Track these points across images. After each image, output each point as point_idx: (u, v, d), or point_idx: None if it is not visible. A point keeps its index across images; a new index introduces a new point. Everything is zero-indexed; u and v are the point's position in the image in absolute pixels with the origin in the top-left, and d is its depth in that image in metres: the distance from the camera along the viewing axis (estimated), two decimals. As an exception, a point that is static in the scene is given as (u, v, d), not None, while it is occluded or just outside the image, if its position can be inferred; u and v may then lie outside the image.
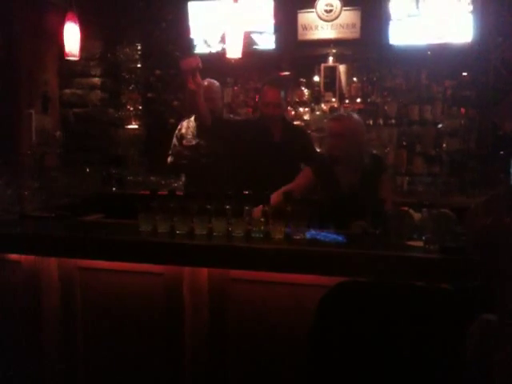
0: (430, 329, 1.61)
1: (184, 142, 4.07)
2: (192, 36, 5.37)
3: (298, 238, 2.53)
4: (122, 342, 2.68)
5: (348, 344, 1.68)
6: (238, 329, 2.51)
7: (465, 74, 4.85)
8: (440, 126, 4.96)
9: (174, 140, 4.15)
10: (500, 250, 1.51)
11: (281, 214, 2.57)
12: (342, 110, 3.72)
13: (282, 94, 3.79)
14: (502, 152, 4.24)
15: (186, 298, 2.57)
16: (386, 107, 5.12)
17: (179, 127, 4.19)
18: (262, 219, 2.60)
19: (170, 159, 4.13)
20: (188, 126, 4.14)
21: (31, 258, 2.81)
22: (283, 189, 3.07)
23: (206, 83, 3.98)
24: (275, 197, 2.89)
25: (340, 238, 2.54)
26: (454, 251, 2.22)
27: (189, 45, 5.37)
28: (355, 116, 3.40)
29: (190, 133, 4.10)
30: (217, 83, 4.15)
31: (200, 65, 3.59)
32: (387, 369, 1.65)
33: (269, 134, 3.80)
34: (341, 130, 3.19)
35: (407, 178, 4.94)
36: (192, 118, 4.13)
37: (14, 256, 2.86)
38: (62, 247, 2.71)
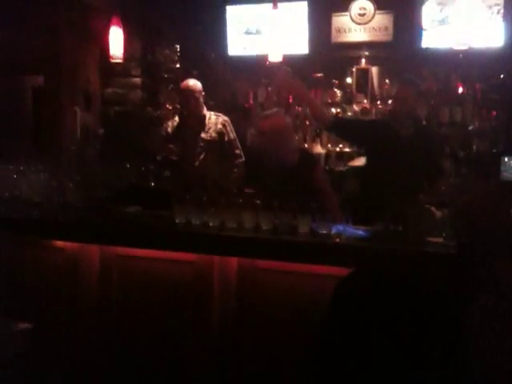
0: (437, 315, 1.73)
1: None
2: (229, 37, 5.56)
3: (323, 232, 2.67)
4: (153, 324, 2.85)
5: (360, 328, 1.81)
6: (262, 316, 2.66)
7: (495, 77, 4.90)
8: (470, 127, 5.01)
9: (161, 139, 4.50)
10: (492, 235, 1.66)
11: None
12: (272, 109, 3.86)
13: (414, 90, 3.72)
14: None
15: (215, 286, 2.74)
16: (416, 109, 5.18)
17: (165, 127, 4.56)
18: None
19: (159, 156, 4.44)
20: (173, 125, 4.55)
21: (74, 244, 3.03)
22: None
23: (191, 83, 4.35)
24: None
25: (362, 233, 2.68)
26: (470, 247, 2.33)
27: (225, 46, 5.57)
28: (283, 115, 3.61)
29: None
30: (198, 82, 4.42)
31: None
32: (397, 354, 1.77)
33: (395, 133, 3.65)
34: (269, 128, 3.36)
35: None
36: (176, 118, 4.48)
37: (58, 243, 3.08)
38: (102, 235, 2.91)
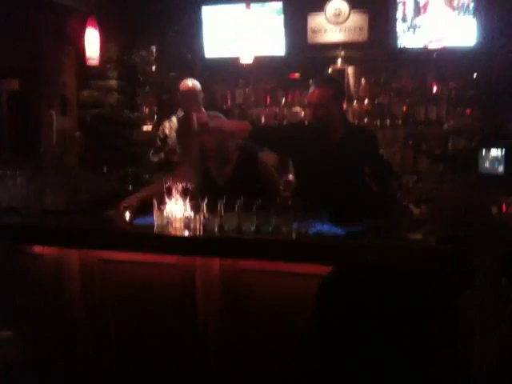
0: (425, 306, 1.76)
1: (170, 141, 4.36)
2: (205, 39, 5.56)
3: (303, 231, 2.69)
4: (137, 329, 2.85)
5: (345, 324, 1.83)
6: (247, 316, 2.67)
7: (469, 75, 4.98)
8: (445, 125, 5.09)
9: (158, 140, 4.40)
10: (474, 225, 1.71)
11: None
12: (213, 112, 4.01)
13: (329, 93, 3.33)
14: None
15: (199, 288, 2.74)
16: (392, 108, 5.25)
17: (161, 128, 4.47)
18: None
19: (156, 158, 4.36)
20: (170, 126, 4.45)
21: (54, 250, 3.00)
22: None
23: (190, 84, 4.24)
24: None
25: (342, 232, 2.70)
26: (448, 241, 2.37)
27: (202, 48, 5.57)
28: (221, 116, 3.76)
29: (174, 133, 4.39)
30: (197, 82, 4.32)
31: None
32: (385, 348, 1.79)
33: (324, 136, 3.42)
34: (210, 129, 3.46)
35: (414, 177, 5.07)
36: (173, 119, 4.38)
37: (37, 248, 3.05)
38: (82, 240, 2.89)
